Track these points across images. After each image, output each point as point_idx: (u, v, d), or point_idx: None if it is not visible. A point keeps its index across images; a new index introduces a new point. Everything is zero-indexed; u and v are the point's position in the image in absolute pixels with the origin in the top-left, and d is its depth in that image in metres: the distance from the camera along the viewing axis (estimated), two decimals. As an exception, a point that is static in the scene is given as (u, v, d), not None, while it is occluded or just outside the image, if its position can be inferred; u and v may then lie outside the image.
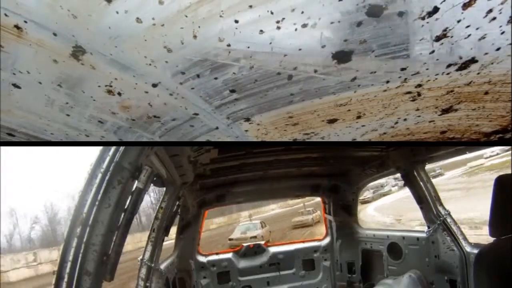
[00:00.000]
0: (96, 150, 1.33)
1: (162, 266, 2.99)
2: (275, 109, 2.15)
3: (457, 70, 1.84)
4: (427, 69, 1.82)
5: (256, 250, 4.69)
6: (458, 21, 1.53)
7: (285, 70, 1.81)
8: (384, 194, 34.81)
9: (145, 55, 1.70)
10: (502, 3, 1.46)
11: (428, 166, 3.25)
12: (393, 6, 1.46)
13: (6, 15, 1.52)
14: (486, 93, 2.09)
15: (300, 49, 1.67)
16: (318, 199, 5.05)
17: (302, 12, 1.48)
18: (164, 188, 2.62)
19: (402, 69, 1.82)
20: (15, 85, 1.95)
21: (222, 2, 1.44)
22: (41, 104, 2.09)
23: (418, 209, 3.17)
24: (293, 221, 23.47)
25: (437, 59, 1.75)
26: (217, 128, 2.33)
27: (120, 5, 1.46)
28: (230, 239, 18.05)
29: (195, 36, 1.59)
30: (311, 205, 30.03)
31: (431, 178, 3.18)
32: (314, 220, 23.19)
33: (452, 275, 2.83)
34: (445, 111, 2.30)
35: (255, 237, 16.82)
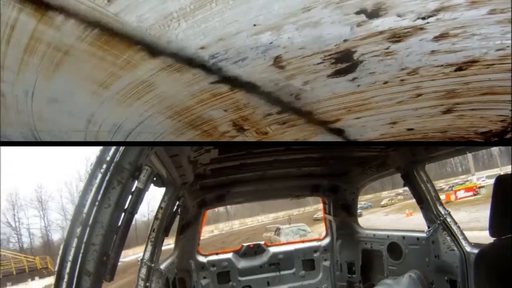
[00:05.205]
0: (96, 150, 1.33)
1: (162, 266, 2.99)
2: (276, 109, 2.15)
3: (457, 70, 1.84)
4: (427, 69, 1.82)
5: (256, 250, 4.69)
6: (458, 21, 1.53)
7: (285, 70, 1.81)
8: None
9: (145, 55, 1.70)
10: (502, 3, 1.46)
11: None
12: (393, 6, 1.46)
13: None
14: (486, 93, 2.09)
15: (300, 49, 1.67)
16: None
17: (302, 12, 1.48)
18: (164, 188, 2.62)
19: (402, 69, 1.82)
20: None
21: (221, 2, 1.44)
22: (41, 104, 2.09)
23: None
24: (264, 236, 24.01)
25: (437, 59, 1.75)
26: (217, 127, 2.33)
27: (120, 5, 1.45)
28: None
29: (195, 36, 1.59)
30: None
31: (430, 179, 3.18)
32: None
33: (452, 275, 2.83)
34: (445, 111, 2.30)
35: None
